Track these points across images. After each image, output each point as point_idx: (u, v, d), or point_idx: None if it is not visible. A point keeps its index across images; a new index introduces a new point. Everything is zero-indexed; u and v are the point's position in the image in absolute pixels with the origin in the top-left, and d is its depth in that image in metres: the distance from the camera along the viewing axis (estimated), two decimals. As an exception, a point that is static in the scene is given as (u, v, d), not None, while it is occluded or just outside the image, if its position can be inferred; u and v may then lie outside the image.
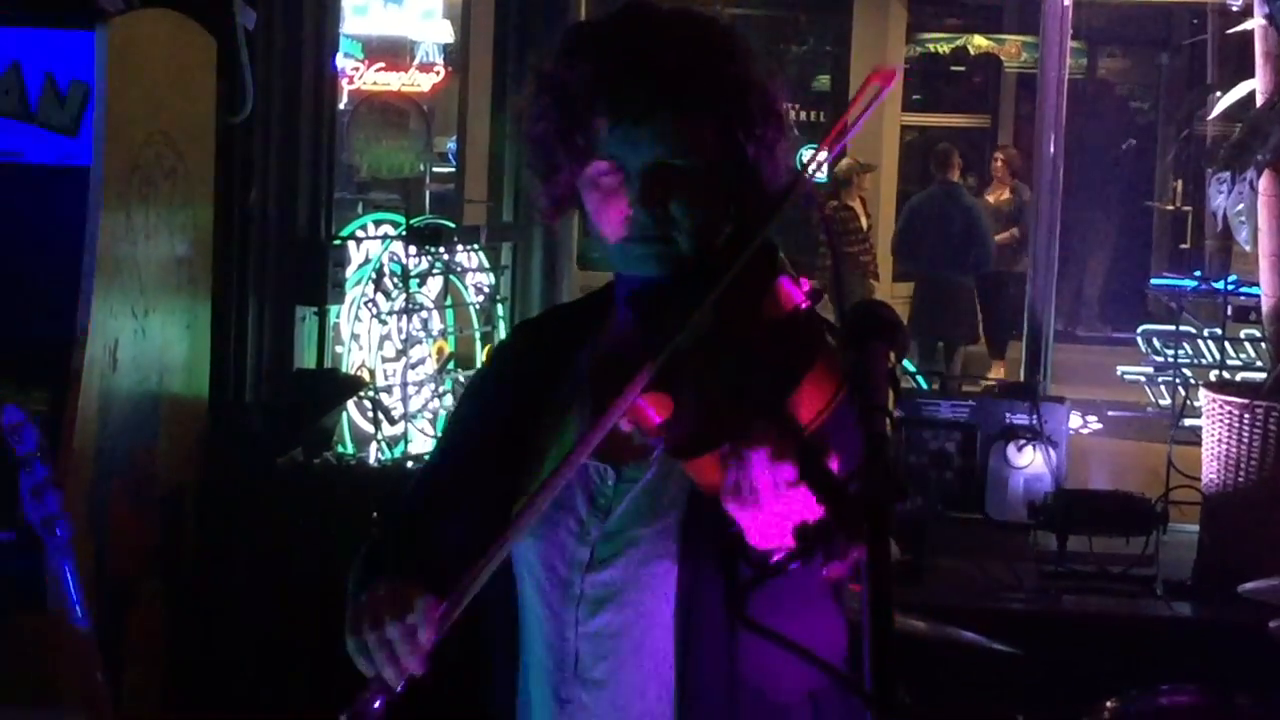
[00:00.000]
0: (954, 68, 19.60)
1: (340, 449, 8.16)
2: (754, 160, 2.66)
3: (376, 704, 2.46)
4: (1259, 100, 7.52)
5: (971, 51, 19.15)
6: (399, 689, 2.46)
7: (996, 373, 14.92)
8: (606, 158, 2.61)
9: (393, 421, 8.84)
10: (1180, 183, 18.98)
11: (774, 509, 2.23)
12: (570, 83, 2.62)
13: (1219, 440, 7.22)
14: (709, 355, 2.39)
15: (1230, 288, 8.94)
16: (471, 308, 9.97)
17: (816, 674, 2.56)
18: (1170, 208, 19.27)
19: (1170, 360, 9.18)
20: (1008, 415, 7.58)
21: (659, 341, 2.40)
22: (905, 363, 10.76)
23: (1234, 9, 7.69)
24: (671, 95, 2.57)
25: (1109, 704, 4.57)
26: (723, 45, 2.66)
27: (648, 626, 2.64)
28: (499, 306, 9.93)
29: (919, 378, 10.42)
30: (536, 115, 2.68)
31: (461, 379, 9.57)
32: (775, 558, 2.26)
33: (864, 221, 15.63)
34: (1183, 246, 18.55)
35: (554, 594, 2.70)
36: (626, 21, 2.66)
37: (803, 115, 18.79)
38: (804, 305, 2.42)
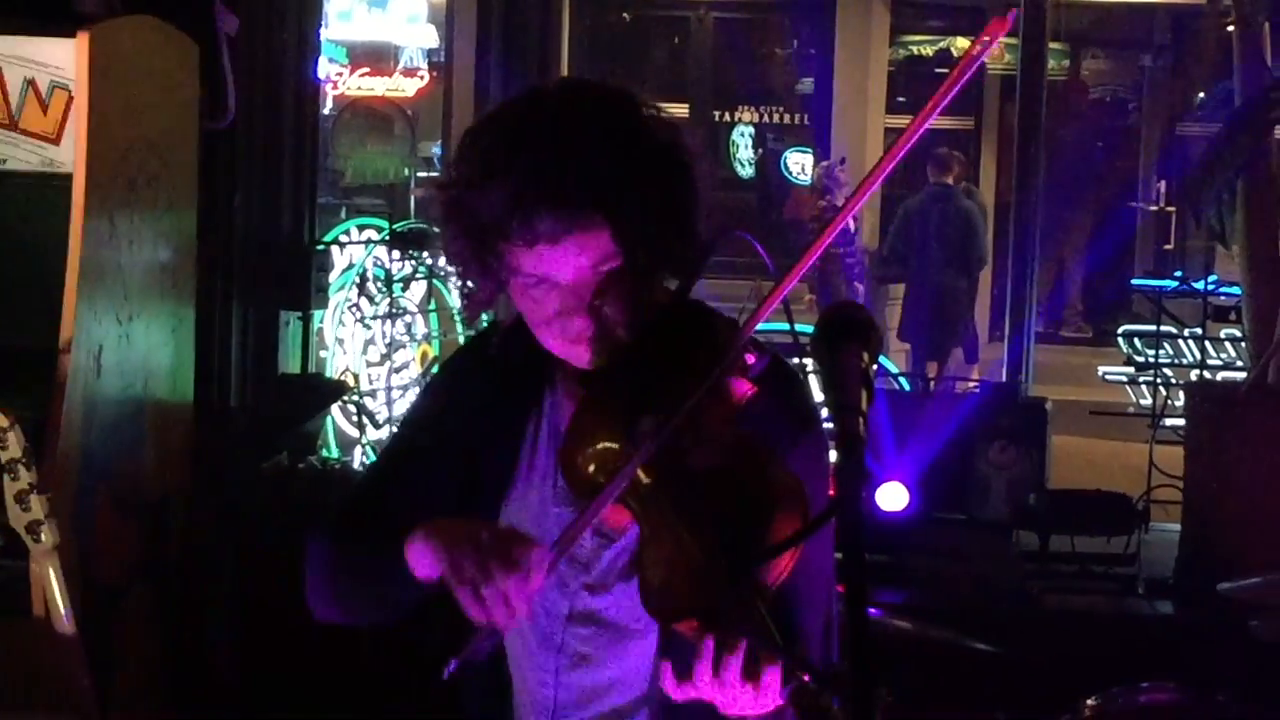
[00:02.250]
0: (937, 70, 19.59)
1: (325, 453, 8.18)
2: (679, 226, 2.56)
3: (482, 648, 2.42)
4: (1237, 102, 7.56)
5: (954, 53, 19.17)
6: (501, 635, 2.46)
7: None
8: (529, 274, 2.52)
9: (377, 425, 8.85)
10: (1164, 183, 19.03)
11: (738, 694, 2.27)
12: (479, 210, 2.51)
13: (1200, 440, 7.26)
14: (669, 487, 2.40)
15: (1210, 288, 8.97)
16: (455, 311, 9.99)
17: None
18: (1154, 208, 19.32)
19: (1151, 360, 9.19)
20: (990, 417, 7.62)
21: (621, 423, 2.45)
22: (888, 366, 10.79)
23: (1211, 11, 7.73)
24: (587, 208, 2.46)
25: (1090, 702, 4.60)
26: (630, 131, 2.54)
27: (628, 685, 2.67)
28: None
29: (901, 379, 10.44)
30: (451, 236, 2.59)
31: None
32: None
33: (851, 223, 15.63)
34: (1166, 247, 18.59)
35: (536, 643, 2.72)
36: (527, 131, 2.52)
37: (787, 118, 18.81)
38: (751, 392, 2.43)
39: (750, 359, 2.44)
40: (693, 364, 2.42)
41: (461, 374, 2.91)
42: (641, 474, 2.40)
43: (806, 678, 2.19)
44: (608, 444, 2.46)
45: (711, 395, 2.40)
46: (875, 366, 2.29)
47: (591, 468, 2.47)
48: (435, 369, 9.62)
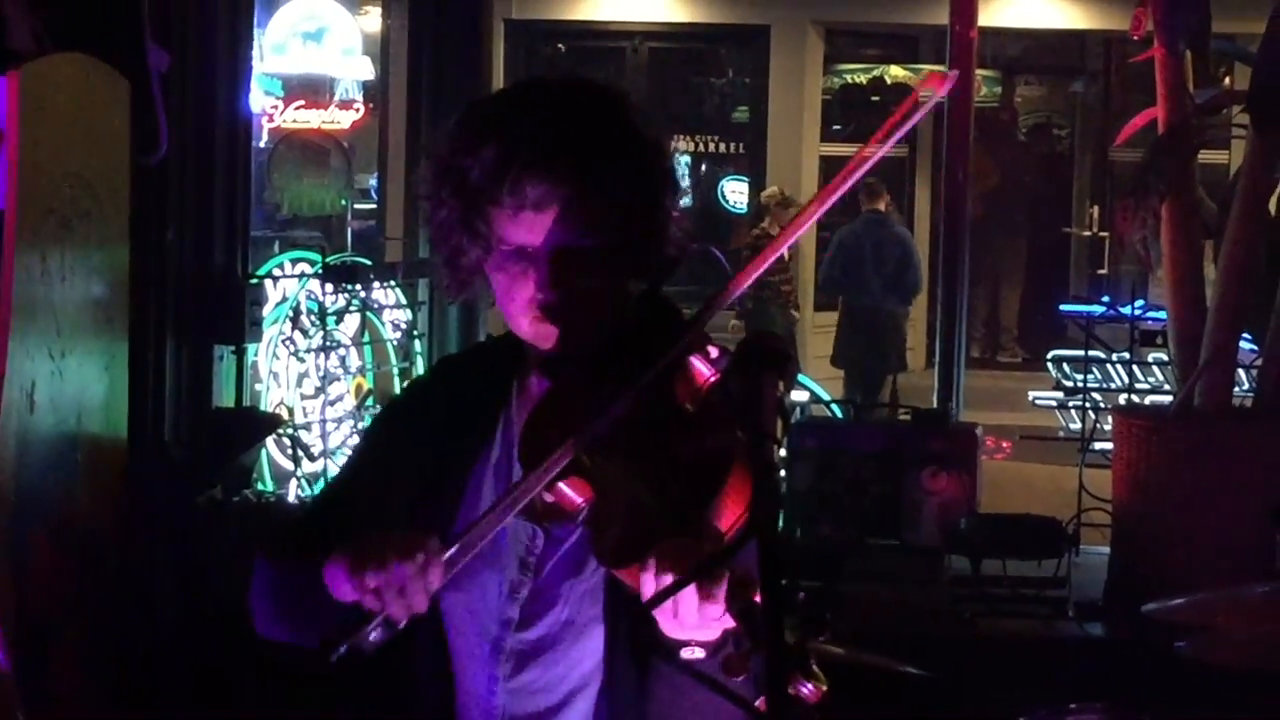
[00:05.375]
0: (872, 98, 19.69)
1: (260, 486, 8.19)
2: (655, 226, 2.68)
3: (374, 636, 2.47)
4: (1160, 129, 7.66)
5: (889, 81, 19.24)
6: (400, 626, 2.48)
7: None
8: (510, 243, 2.61)
9: (312, 458, 8.87)
10: (1096, 209, 19.15)
11: (692, 620, 2.31)
12: (470, 171, 2.61)
13: (1128, 462, 7.34)
14: (629, 447, 2.46)
15: (1137, 312, 9.07)
16: (389, 344, 10.02)
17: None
18: (1087, 233, 19.44)
19: (1080, 385, 9.28)
20: (921, 443, 7.68)
21: (576, 413, 2.48)
22: (819, 392, 10.86)
23: (1135, 39, 7.82)
24: (573, 181, 2.56)
25: (1018, 724, 4.64)
26: (621, 122, 2.65)
27: (574, 683, 2.70)
28: (416, 342, 9.96)
29: (834, 407, 10.51)
30: (437, 202, 2.68)
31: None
32: (684, 652, 2.36)
33: (785, 253, 15.72)
34: (1100, 272, 18.71)
35: (481, 650, 2.75)
36: (524, 103, 2.66)
37: (723, 147, 18.86)
38: (714, 379, 2.48)
39: (713, 350, 2.49)
40: (659, 355, 2.48)
41: (414, 401, 2.99)
42: (597, 444, 2.45)
43: (757, 598, 2.23)
44: (570, 426, 2.49)
45: (672, 373, 2.46)
46: (789, 393, 2.35)
47: (549, 451, 2.49)
48: (371, 403, 9.66)
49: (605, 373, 2.53)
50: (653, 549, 2.33)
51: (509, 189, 2.57)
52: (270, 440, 8.54)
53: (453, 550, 2.50)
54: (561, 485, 2.47)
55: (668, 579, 2.30)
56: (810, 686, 2.14)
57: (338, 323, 9.60)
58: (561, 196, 2.57)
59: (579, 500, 2.48)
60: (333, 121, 15.46)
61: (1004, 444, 12.09)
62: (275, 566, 2.80)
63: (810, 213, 2.61)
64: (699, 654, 2.37)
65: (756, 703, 2.16)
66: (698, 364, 2.46)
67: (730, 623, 2.30)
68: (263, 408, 8.90)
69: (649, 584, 2.33)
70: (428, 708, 2.83)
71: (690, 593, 2.29)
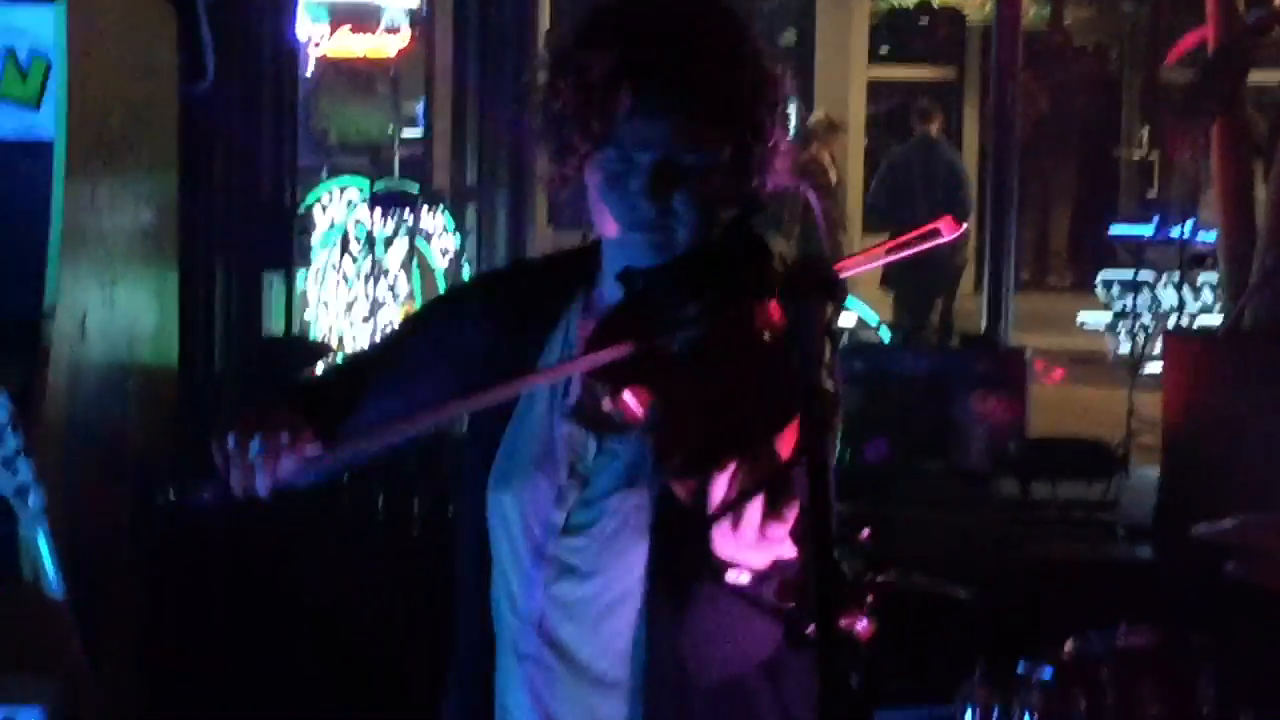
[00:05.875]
0: (919, 21, 19.59)
1: (312, 414, 8.21)
2: (759, 159, 2.69)
3: (205, 497, 2.56)
4: (1210, 48, 7.61)
5: (936, 4, 19.15)
6: (234, 497, 2.54)
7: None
8: (619, 145, 2.62)
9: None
10: (1146, 130, 19.04)
11: (750, 540, 2.33)
12: (592, 67, 2.61)
13: (1177, 385, 7.32)
14: (700, 367, 2.46)
15: (1188, 234, 9.03)
16: (437, 270, 10.03)
17: (768, 646, 2.64)
18: (1137, 155, 19.34)
19: (1129, 308, 9.25)
20: (970, 366, 7.67)
21: (649, 324, 2.48)
22: (868, 317, 10.83)
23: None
24: (692, 94, 2.58)
25: (1067, 646, 4.64)
26: (743, 45, 2.66)
27: (615, 596, 2.71)
28: (465, 268, 9.98)
29: (882, 330, 10.48)
30: (553, 94, 2.69)
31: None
32: (730, 574, 2.38)
33: (833, 175, 15.65)
34: (1150, 194, 18.61)
35: (526, 554, 2.75)
36: (653, 10, 2.67)
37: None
38: (781, 316, 2.47)
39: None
40: (739, 285, 2.49)
41: (479, 289, 3.04)
42: (665, 357, 2.46)
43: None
44: (638, 339, 2.49)
45: (751, 305, 2.46)
46: (838, 317, 2.35)
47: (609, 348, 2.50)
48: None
49: (683, 293, 2.53)
50: (720, 460, 2.33)
51: (630, 89, 2.58)
52: (320, 367, 8.57)
53: (323, 450, 2.54)
54: (625, 393, 2.46)
55: (734, 492, 2.31)
56: (865, 622, 2.15)
57: (386, 249, 9.62)
58: (678, 108, 2.59)
59: (638, 410, 2.47)
60: (379, 48, 15.46)
61: (1053, 367, 12.06)
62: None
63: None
64: (745, 579, 2.38)
65: (807, 631, 2.17)
66: (776, 306, 2.47)
67: (785, 550, 2.30)
68: (312, 335, 8.93)
69: (718, 492, 2.33)
70: (469, 612, 2.86)
71: (755, 510, 2.30)
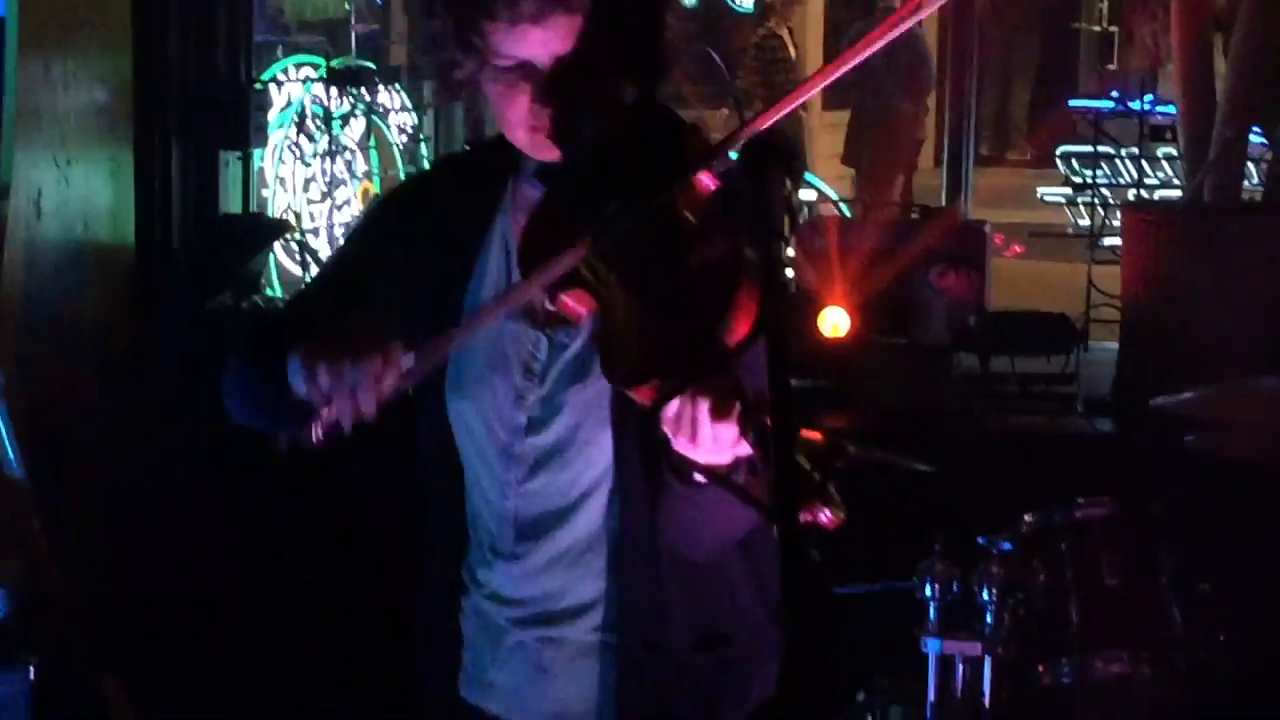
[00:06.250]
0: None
1: (269, 292, 8.20)
2: (649, 35, 2.68)
3: (318, 435, 2.47)
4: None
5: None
6: (347, 429, 2.47)
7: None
8: (505, 56, 2.60)
9: (319, 264, 8.86)
10: (1106, 2, 18.98)
11: (707, 443, 2.33)
12: None
13: (1137, 258, 7.33)
14: (632, 260, 2.44)
15: (1147, 107, 9.01)
16: (395, 147, 9.98)
17: (744, 527, 2.65)
18: (1097, 28, 19.28)
19: (1089, 181, 9.23)
20: (930, 240, 7.66)
21: (575, 223, 2.47)
22: (828, 191, 10.80)
23: None
24: None
25: (1026, 518, 4.66)
26: None
27: (586, 486, 2.74)
28: (423, 146, 9.94)
29: (842, 205, 10.46)
30: (430, 13, 2.68)
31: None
32: (697, 476, 2.39)
33: (791, 50, 15.56)
34: (1110, 67, 18.57)
35: (494, 456, 2.78)
36: None
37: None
38: (715, 188, 2.45)
39: (719, 162, 2.46)
40: (657, 162, 2.47)
41: (404, 202, 2.99)
42: (600, 257, 2.44)
43: (769, 421, 2.22)
44: (568, 235, 2.48)
45: (676, 185, 2.43)
46: (797, 190, 2.33)
47: (548, 259, 2.48)
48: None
49: (604, 183, 2.52)
50: (667, 366, 2.33)
51: (504, 3, 2.56)
52: (278, 246, 8.54)
53: (414, 358, 2.50)
54: (564, 296, 2.47)
55: (687, 405, 2.31)
56: (828, 513, 2.14)
57: (343, 127, 9.56)
58: (556, 11, 2.56)
59: (581, 310, 2.48)
60: (334, -78, 15.29)
61: (1013, 242, 12.08)
62: (247, 363, 2.80)
63: (810, 85, 2.58)
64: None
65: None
66: (702, 177, 2.44)
67: (741, 448, 2.30)
68: (270, 213, 8.89)
69: (671, 406, 2.34)
70: (443, 515, 2.87)
71: (704, 413, 2.30)
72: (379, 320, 2.69)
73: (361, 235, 3.00)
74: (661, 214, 2.44)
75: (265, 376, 2.66)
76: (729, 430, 2.30)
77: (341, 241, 3.80)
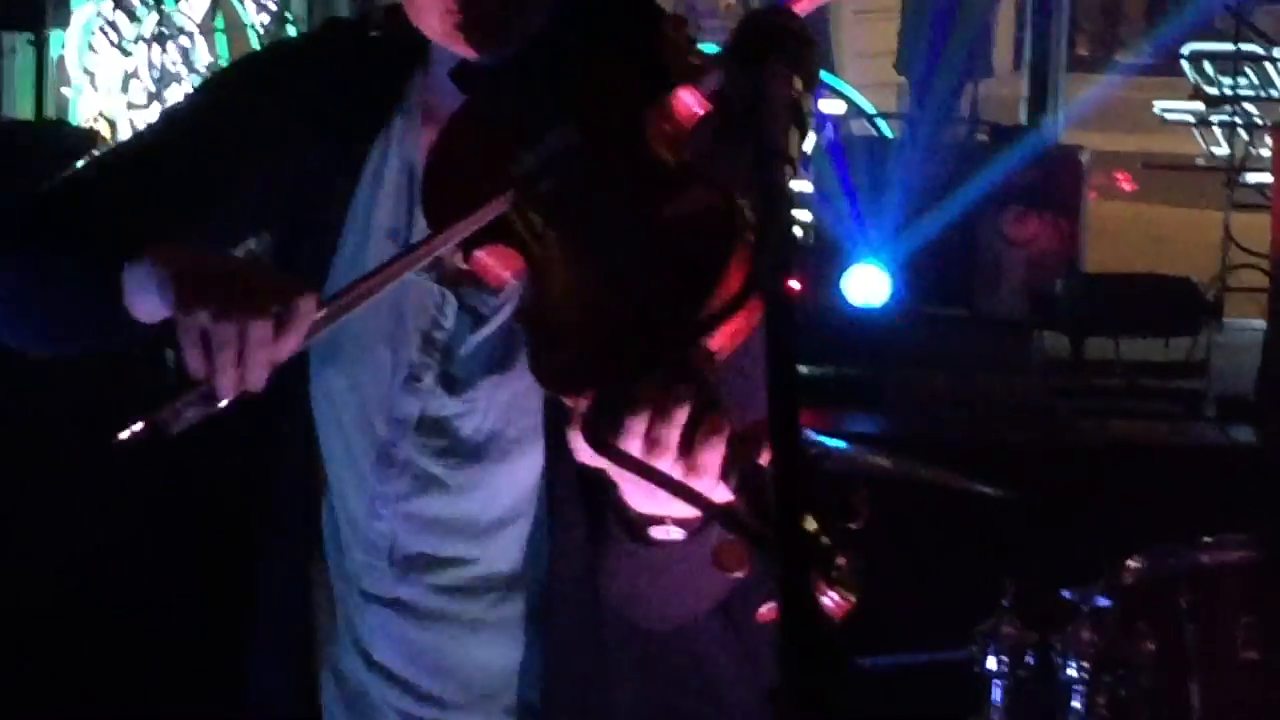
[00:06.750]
0: None
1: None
2: None
3: (189, 414, 2.35)
4: None
5: None
6: (221, 405, 2.35)
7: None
8: None
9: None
10: None
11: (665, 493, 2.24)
12: None
13: (1294, 202, 7.36)
14: (580, 206, 2.41)
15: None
16: (251, 30, 9.98)
17: (714, 594, 2.59)
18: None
19: (1227, 92, 9.23)
20: (1003, 172, 7.68)
21: (512, 153, 2.43)
22: (864, 104, 10.81)
23: None
24: None
25: (1131, 563, 4.67)
26: None
27: (497, 511, 2.68)
28: (290, 29, 9.92)
29: (880, 122, 10.46)
30: None
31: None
32: (656, 531, 2.34)
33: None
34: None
35: (366, 459, 2.71)
36: None
37: None
38: (705, 115, 2.40)
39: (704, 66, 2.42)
40: (622, 69, 2.45)
41: (287, 62, 2.94)
42: (535, 204, 2.40)
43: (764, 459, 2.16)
44: (492, 168, 2.44)
45: (646, 104, 2.41)
46: (810, 94, 2.30)
47: (465, 201, 2.43)
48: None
49: (546, 97, 2.50)
50: (617, 367, 2.28)
51: None
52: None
53: (322, 313, 2.42)
54: (479, 252, 2.41)
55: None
56: (835, 595, 2.06)
57: (178, 2, 9.56)
58: None
59: (504, 274, 2.42)
60: None
61: (1120, 176, 12.11)
62: (27, 239, 2.66)
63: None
64: (676, 535, 2.33)
65: (762, 609, 2.12)
66: (684, 95, 2.41)
67: (717, 493, 2.24)
68: (73, 120, 8.89)
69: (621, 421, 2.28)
70: (289, 538, 2.81)
71: (673, 436, 2.22)
72: (237, 225, 2.69)
73: (210, 97, 2.94)
74: (624, 146, 2.41)
75: (66, 271, 2.57)
76: (709, 455, 2.23)
77: (188, 94, 3.72)
